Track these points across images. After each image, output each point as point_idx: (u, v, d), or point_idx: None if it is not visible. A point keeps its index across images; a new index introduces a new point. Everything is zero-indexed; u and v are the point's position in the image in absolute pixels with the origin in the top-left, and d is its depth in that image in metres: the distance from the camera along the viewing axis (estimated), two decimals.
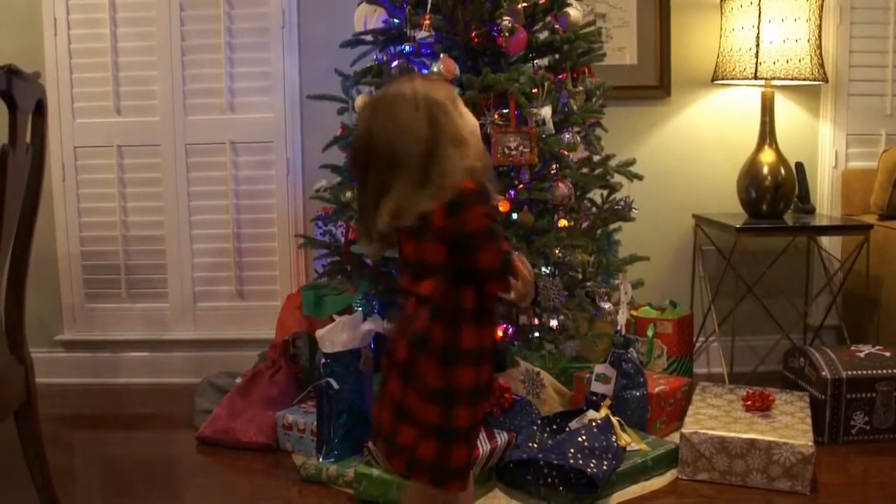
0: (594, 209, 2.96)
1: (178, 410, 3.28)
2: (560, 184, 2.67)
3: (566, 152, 2.72)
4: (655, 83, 3.62)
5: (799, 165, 3.49)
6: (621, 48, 3.60)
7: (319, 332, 2.72)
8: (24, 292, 2.35)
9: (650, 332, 3.35)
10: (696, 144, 3.66)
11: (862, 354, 2.96)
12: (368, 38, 2.89)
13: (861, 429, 2.85)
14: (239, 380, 3.12)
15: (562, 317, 2.70)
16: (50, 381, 3.41)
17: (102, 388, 3.67)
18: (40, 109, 2.35)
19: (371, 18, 2.90)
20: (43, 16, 3.59)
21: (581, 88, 2.84)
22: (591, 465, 2.39)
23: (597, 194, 3.00)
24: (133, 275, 3.72)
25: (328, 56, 3.12)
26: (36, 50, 3.59)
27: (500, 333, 2.76)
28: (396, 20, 2.82)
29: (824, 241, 3.67)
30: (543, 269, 2.69)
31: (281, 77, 3.59)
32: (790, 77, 3.31)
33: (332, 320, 2.74)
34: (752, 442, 2.51)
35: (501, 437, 2.54)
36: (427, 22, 2.62)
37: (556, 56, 2.87)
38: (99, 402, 3.52)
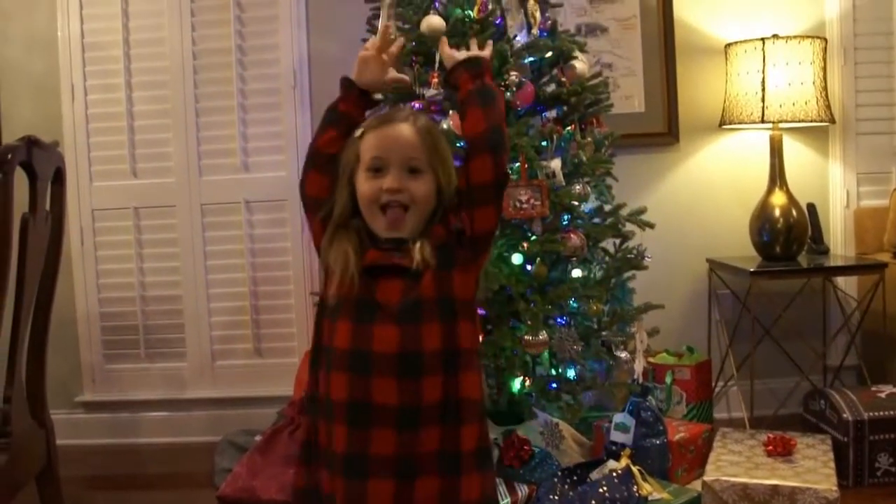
0: (607, 258, 2.97)
1: (198, 469, 3.28)
2: (572, 235, 2.68)
3: (577, 203, 2.74)
4: (664, 130, 3.65)
5: (811, 206, 3.50)
6: (629, 96, 3.64)
7: None
8: (45, 357, 2.38)
9: (668, 379, 3.34)
10: (707, 189, 3.68)
11: (883, 395, 2.94)
12: (378, 96, 2.93)
13: (886, 471, 2.82)
14: (258, 438, 3.12)
15: (578, 367, 2.71)
16: (70, 443, 3.41)
17: (122, 449, 3.67)
18: (59, 177, 2.41)
19: None
20: (61, 83, 3.67)
21: (590, 139, 2.87)
22: None
23: (609, 243, 3.02)
24: (151, 335, 3.74)
25: None
26: (54, 117, 3.67)
27: (517, 385, 2.77)
28: (406, 78, 2.86)
29: (840, 281, 3.66)
30: (559, 319, 2.70)
31: (293, 136, 3.64)
32: (797, 119, 3.33)
33: None
34: (776, 488, 2.49)
35: (522, 490, 2.53)
36: (435, 80, 2.66)
37: (564, 108, 2.91)
38: (119, 462, 3.53)
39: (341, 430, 1.52)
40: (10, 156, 2.09)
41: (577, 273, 2.79)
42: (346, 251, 1.57)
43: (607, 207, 2.96)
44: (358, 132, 1.64)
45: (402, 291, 1.54)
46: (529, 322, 2.63)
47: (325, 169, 1.66)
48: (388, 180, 1.56)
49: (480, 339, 1.66)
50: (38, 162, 2.22)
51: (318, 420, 1.60)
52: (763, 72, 3.32)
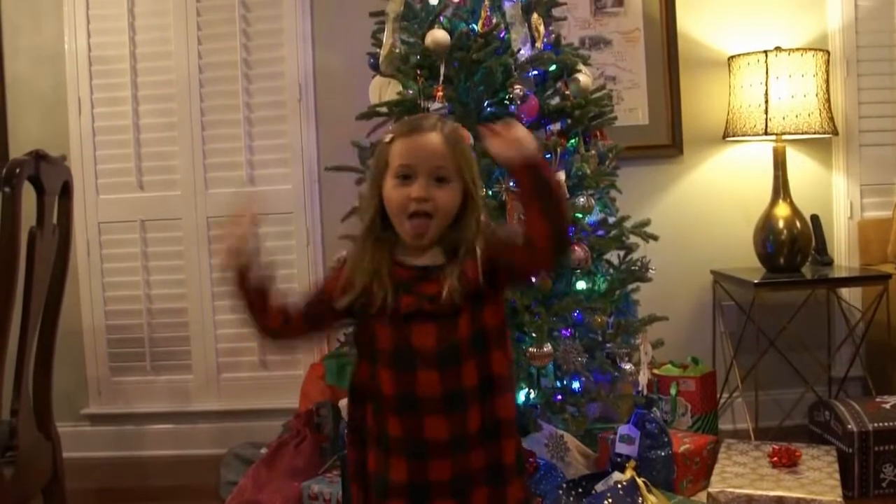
0: (611, 270, 2.98)
1: (203, 482, 3.29)
2: (576, 247, 2.69)
3: (581, 216, 2.75)
4: (668, 142, 3.66)
5: (814, 218, 3.51)
6: (632, 109, 3.65)
7: (343, 402, 2.73)
8: (52, 369, 2.40)
9: (673, 391, 3.34)
10: (711, 201, 3.69)
11: (888, 405, 2.94)
12: (383, 109, 2.95)
13: (891, 482, 2.82)
14: (264, 450, 3.13)
15: (583, 379, 2.71)
16: (76, 456, 3.41)
17: (128, 462, 3.68)
18: (66, 191, 2.42)
19: (385, 90, 2.97)
20: (68, 97, 3.70)
21: (593, 152, 2.89)
22: None
23: (614, 255, 3.02)
24: (157, 347, 3.76)
25: (345, 128, 3.19)
26: (62, 130, 3.70)
27: (521, 397, 2.78)
28: (410, 91, 2.88)
29: (844, 292, 3.66)
30: (563, 331, 2.71)
31: (299, 149, 3.67)
32: (800, 131, 3.34)
33: None
34: (780, 499, 2.50)
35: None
36: (440, 93, 2.68)
37: (568, 121, 2.92)
38: (125, 475, 3.54)
39: (401, 462, 1.59)
40: (18, 170, 2.11)
41: (581, 285, 2.80)
42: (376, 270, 1.61)
43: (611, 220, 2.96)
44: (387, 138, 1.65)
45: (437, 336, 1.58)
46: (534, 334, 2.63)
47: (294, 319, 1.70)
48: (415, 189, 1.57)
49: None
50: (45, 176, 2.24)
51: (367, 449, 1.66)
52: (766, 84, 3.33)
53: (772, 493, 2.52)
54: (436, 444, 1.57)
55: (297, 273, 3.68)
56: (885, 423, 2.83)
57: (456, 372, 1.58)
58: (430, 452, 1.58)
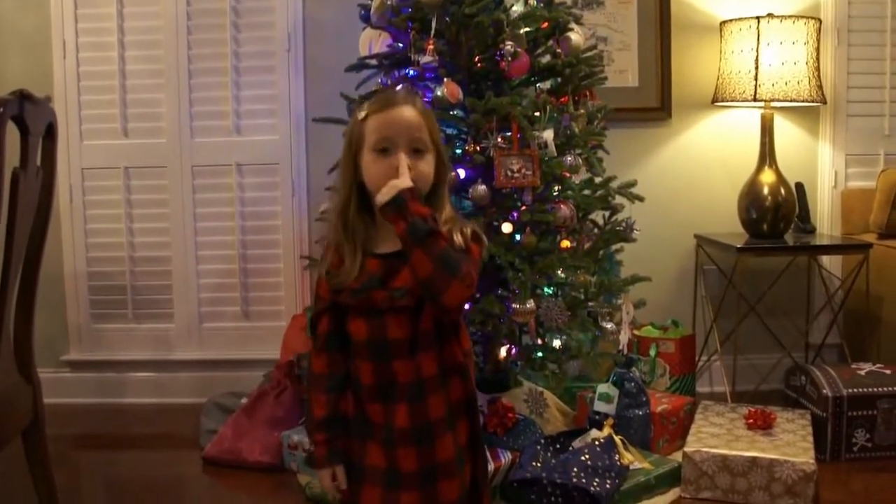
0: (596, 230, 2.99)
1: (183, 430, 3.30)
2: (562, 205, 2.69)
3: (568, 174, 2.75)
4: (656, 105, 3.66)
5: (799, 186, 3.52)
6: (623, 71, 3.64)
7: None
8: (33, 312, 2.38)
9: (653, 352, 3.38)
10: (697, 165, 3.70)
11: (863, 372, 2.99)
12: (373, 62, 2.93)
13: (863, 446, 2.87)
14: (244, 400, 3.14)
15: (564, 337, 2.73)
16: (56, 402, 3.40)
17: (108, 409, 3.69)
18: (50, 133, 2.39)
19: (375, 43, 2.94)
20: (52, 39, 3.64)
21: (582, 111, 2.88)
22: (595, 483, 2.41)
23: (599, 215, 3.03)
24: (139, 295, 3.74)
25: (333, 80, 3.16)
26: (45, 73, 3.64)
27: (503, 353, 2.80)
28: (401, 45, 2.86)
29: (825, 260, 3.70)
30: (546, 289, 2.72)
31: (286, 100, 3.64)
32: (789, 99, 3.34)
33: None
34: (754, 460, 2.53)
35: (505, 457, 2.56)
36: (431, 47, 2.66)
37: (558, 79, 2.91)
38: (105, 422, 3.54)
39: (378, 448, 1.64)
40: (1, 109, 2.08)
41: (565, 243, 2.80)
42: (352, 266, 1.62)
43: (597, 179, 2.97)
44: (361, 114, 1.65)
45: (409, 326, 1.61)
46: (517, 291, 2.64)
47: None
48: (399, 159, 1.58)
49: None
50: (29, 116, 2.21)
51: (352, 439, 1.68)
52: (757, 50, 3.32)
53: (746, 454, 2.55)
54: (401, 431, 1.61)
55: (281, 224, 3.67)
56: (860, 389, 2.87)
57: (419, 359, 1.61)
58: (397, 442, 1.61)
